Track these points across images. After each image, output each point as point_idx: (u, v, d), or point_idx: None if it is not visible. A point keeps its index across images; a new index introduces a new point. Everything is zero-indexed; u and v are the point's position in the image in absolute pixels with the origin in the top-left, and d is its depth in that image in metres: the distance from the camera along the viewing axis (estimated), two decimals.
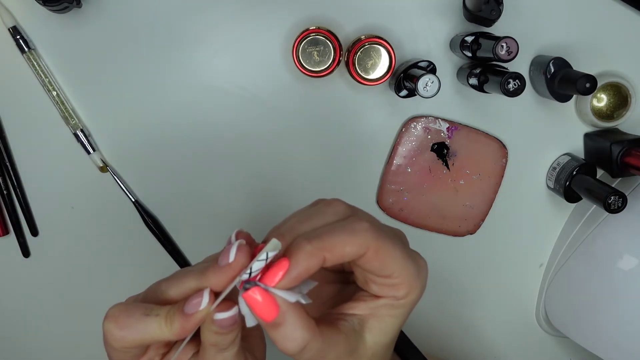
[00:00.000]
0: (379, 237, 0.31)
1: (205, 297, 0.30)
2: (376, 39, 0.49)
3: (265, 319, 0.29)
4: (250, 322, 0.30)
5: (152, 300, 0.32)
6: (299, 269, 0.30)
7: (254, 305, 0.29)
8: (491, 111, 0.56)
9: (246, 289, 0.29)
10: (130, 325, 0.31)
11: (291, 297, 0.29)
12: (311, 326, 0.30)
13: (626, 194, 0.49)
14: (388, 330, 0.34)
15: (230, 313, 0.30)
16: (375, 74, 0.49)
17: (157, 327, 0.31)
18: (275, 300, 0.29)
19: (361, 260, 0.32)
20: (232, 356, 0.32)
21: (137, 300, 0.33)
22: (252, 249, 0.31)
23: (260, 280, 0.29)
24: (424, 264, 0.34)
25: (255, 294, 0.29)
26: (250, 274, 0.29)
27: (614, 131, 0.55)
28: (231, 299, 0.31)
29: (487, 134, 0.56)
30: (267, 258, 0.29)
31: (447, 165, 0.56)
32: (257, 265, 0.29)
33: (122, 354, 0.32)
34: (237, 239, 0.31)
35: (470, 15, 0.50)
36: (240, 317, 0.31)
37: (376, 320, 0.33)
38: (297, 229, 0.32)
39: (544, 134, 0.56)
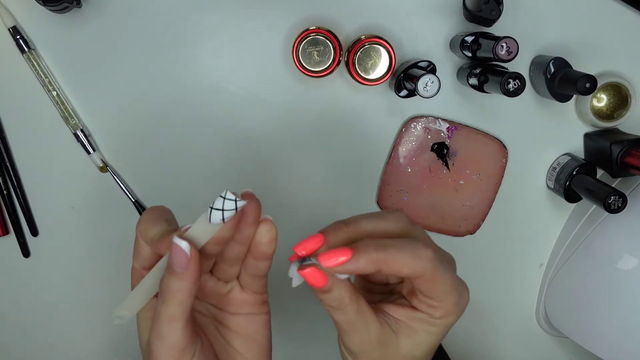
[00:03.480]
0: (437, 267, 0.34)
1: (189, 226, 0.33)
2: (376, 39, 0.49)
3: (316, 286, 0.33)
4: (296, 283, 0.35)
5: None
6: (356, 266, 0.33)
7: (307, 278, 0.33)
8: (491, 111, 0.56)
9: (302, 266, 0.33)
10: (155, 220, 0.36)
11: (341, 275, 0.34)
12: (353, 292, 0.34)
13: (626, 194, 0.49)
14: (421, 344, 0.36)
15: (184, 243, 0.31)
16: (375, 74, 0.49)
17: (159, 232, 0.34)
18: (325, 275, 0.33)
19: (414, 279, 0.34)
20: (180, 329, 0.33)
21: None
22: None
23: (318, 258, 0.33)
24: (466, 295, 0.37)
25: (311, 271, 0.33)
26: (223, 211, 0.32)
27: (614, 131, 0.55)
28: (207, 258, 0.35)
29: (487, 134, 0.56)
30: (232, 199, 0.32)
31: (447, 165, 0.56)
32: (228, 204, 0.32)
33: (140, 247, 0.36)
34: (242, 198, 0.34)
35: (470, 15, 0.50)
36: (196, 275, 0.33)
37: (410, 330, 0.36)
38: (360, 222, 0.35)
39: (544, 134, 0.56)
